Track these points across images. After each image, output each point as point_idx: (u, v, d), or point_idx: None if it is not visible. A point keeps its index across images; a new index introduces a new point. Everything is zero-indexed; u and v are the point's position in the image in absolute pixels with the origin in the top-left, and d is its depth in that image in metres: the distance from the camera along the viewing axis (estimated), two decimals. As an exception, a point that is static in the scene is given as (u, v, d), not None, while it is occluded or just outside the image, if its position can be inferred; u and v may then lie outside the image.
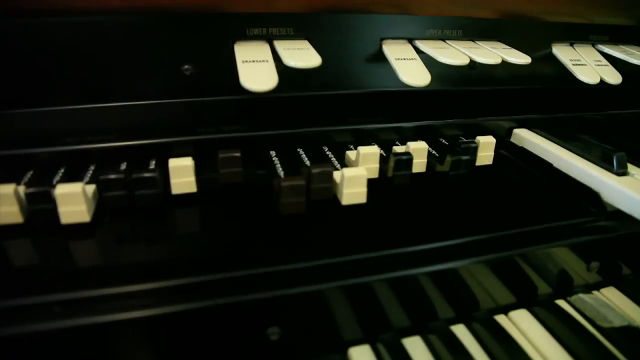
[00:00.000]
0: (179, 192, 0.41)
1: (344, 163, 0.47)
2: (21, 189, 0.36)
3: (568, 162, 0.49)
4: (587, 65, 0.55)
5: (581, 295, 0.41)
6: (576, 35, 0.58)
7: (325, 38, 0.46)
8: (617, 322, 0.38)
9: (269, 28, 0.45)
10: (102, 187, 0.37)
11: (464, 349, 0.35)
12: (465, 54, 0.47)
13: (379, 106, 0.51)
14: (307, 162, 0.46)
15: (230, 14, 0.43)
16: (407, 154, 0.44)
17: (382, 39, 0.49)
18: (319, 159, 0.47)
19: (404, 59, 0.46)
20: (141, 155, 0.44)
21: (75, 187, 0.35)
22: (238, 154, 0.41)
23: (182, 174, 0.40)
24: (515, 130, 0.57)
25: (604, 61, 0.56)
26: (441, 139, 0.52)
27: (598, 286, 0.43)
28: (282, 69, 0.40)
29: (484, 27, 0.52)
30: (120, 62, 0.42)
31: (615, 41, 0.60)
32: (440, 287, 0.36)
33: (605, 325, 0.38)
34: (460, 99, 0.55)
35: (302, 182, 0.38)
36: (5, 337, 0.28)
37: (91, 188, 0.38)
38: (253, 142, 0.47)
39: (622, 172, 0.45)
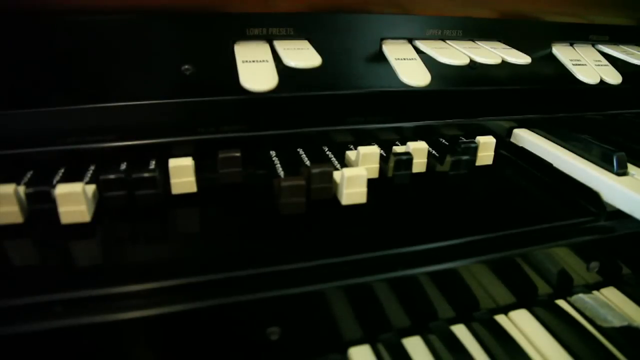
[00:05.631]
0: (179, 192, 0.41)
1: (344, 163, 0.47)
2: (21, 189, 0.36)
3: (568, 162, 0.49)
4: (587, 65, 0.55)
5: (581, 295, 0.41)
6: (576, 35, 0.58)
7: (325, 38, 0.46)
8: (617, 322, 0.38)
9: (269, 28, 0.45)
10: (102, 187, 0.37)
11: (464, 349, 0.35)
12: (465, 54, 0.47)
13: (379, 106, 0.51)
14: (307, 162, 0.46)
15: (230, 14, 0.43)
16: (407, 154, 0.44)
17: (382, 39, 0.49)
18: (319, 159, 0.47)
19: (404, 59, 0.46)
20: (141, 155, 0.44)
21: (75, 187, 0.35)
22: (238, 154, 0.41)
23: (182, 174, 0.40)
24: (515, 130, 0.57)
25: (604, 61, 0.56)
26: (441, 139, 0.52)
27: (598, 286, 0.43)
28: (282, 69, 0.40)
29: (484, 27, 0.52)
30: (120, 62, 0.42)
31: (615, 41, 0.60)
32: (440, 287, 0.36)
33: (605, 325, 0.38)
34: (460, 99, 0.55)
35: (302, 182, 0.38)
36: (6, 337, 0.28)
37: (91, 188, 0.38)
38: (253, 142, 0.47)
39: (622, 172, 0.45)
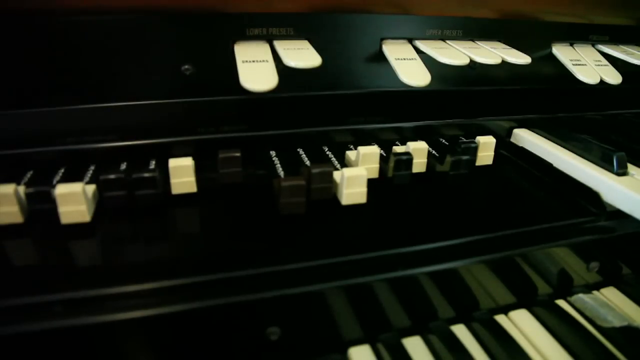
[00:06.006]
0: (179, 192, 0.41)
1: (344, 163, 0.47)
2: (21, 189, 0.36)
3: (568, 162, 0.49)
4: (587, 65, 0.55)
5: (581, 295, 0.41)
6: (576, 35, 0.58)
7: (325, 38, 0.46)
8: (617, 322, 0.38)
9: (269, 28, 0.45)
10: (102, 187, 0.37)
11: (464, 349, 0.35)
12: (465, 54, 0.47)
13: (379, 106, 0.51)
14: (307, 162, 0.46)
15: (230, 14, 0.43)
16: (407, 154, 0.44)
17: (382, 39, 0.49)
18: (319, 159, 0.47)
19: (404, 59, 0.46)
20: (141, 155, 0.44)
21: (75, 187, 0.35)
22: (238, 154, 0.41)
23: (182, 174, 0.40)
24: (515, 130, 0.57)
25: (604, 61, 0.56)
26: (441, 139, 0.52)
27: (598, 286, 0.43)
28: (282, 69, 0.40)
29: (484, 27, 0.52)
30: (120, 62, 0.42)
31: (615, 41, 0.60)
32: (440, 287, 0.36)
33: (605, 325, 0.38)
34: (460, 99, 0.55)
35: (302, 182, 0.38)
36: (6, 337, 0.28)
37: (91, 188, 0.38)
38: (253, 142, 0.47)
39: (622, 172, 0.45)
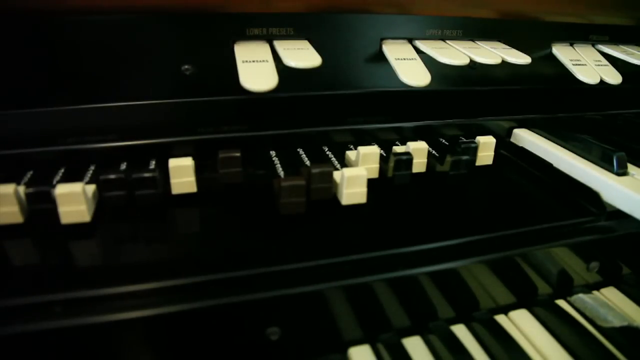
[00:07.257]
0: (179, 192, 0.41)
1: (344, 163, 0.47)
2: (21, 189, 0.36)
3: (568, 162, 0.49)
4: (587, 65, 0.55)
5: (581, 295, 0.41)
6: (576, 35, 0.58)
7: (325, 38, 0.46)
8: (617, 322, 0.38)
9: (269, 28, 0.45)
10: (102, 187, 0.37)
11: (464, 349, 0.35)
12: (465, 54, 0.47)
13: (379, 106, 0.51)
14: (307, 162, 0.46)
15: (230, 14, 0.43)
16: (407, 154, 0.44)
17: (382, 39, 0.49)
18: (319, 159, 0.47)
19: (404, 59, 0.46)
20: (141, 155, 0.44)
21: (75, 187, 0.35)
22: (238, 154, 0.41)
23: (182, 174, 0.40)
24: (515, 130, 0.57)
25: (604, 61, 0.56)
26: (441, 139, 0.52)
27: (598, 286, 0.43)
28: (282, 69, 0.40)
29: (484, 27, 0.52)
30: (120, 62, 0.42)
31: (615, 41, 0.60)
32: (440, 287, 0.36)
33: (605, 325, 0.38)
34: (460, 99, 0.55)
35: (302, 182, 0.38)
36: (6, 337, 0.28)
37: (91, 188, 0.38)
38: (253, 142, 0.47)
39: (622, 172, 0.45)
